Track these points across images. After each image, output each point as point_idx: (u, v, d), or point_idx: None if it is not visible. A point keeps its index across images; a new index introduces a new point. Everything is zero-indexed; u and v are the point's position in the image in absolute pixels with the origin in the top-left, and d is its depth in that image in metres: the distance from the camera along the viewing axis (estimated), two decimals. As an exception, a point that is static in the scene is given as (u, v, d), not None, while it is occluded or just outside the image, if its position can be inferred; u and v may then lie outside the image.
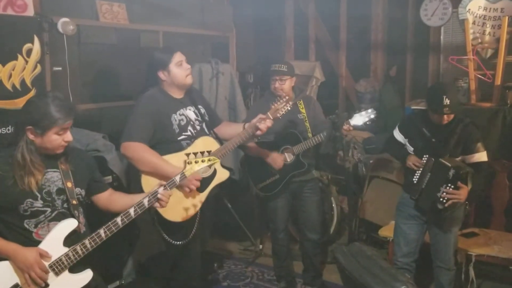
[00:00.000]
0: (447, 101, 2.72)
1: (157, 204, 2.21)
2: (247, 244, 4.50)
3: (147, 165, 2.65)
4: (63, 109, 2.03)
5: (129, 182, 3.50)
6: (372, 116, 3.18)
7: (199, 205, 2.79)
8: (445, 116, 2.80)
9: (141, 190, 2.68)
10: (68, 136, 2.07)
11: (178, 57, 2.81)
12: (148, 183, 2.67)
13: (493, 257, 3.22)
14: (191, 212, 2.75)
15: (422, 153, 2.95)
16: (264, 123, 2.82)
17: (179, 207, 2.68)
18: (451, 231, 2.96)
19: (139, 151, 2.64)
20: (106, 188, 2.34)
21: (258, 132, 2.86)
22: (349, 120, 3.18)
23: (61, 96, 2.09)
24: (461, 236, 3.34)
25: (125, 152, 2.67)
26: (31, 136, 2.01)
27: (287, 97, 2.99)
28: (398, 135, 3.15)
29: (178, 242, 2.80)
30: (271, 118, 2.87)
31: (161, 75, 2.81)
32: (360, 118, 3.19)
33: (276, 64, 3.41)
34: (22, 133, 2.00)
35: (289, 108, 2.97)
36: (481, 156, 2.88)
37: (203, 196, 2.81)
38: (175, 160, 2.68)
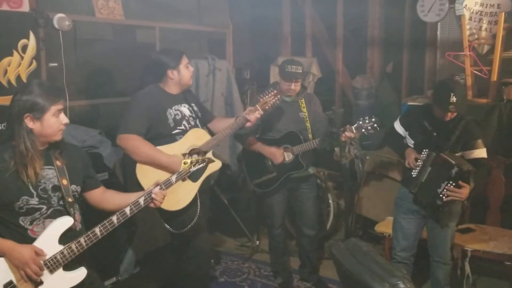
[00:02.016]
0: (453, 99, 2.71)
1: (151, 204, 2.22)
2: (244, 240, 4.51)
3: (142, 155, 2.74)
4: (52, 89, 2.08)
5: (126, 178, 3.50)
6: (375, 125, 3.15)
7: (193, 194, 2.87)
8: (449, 113, 2.81)
9: (137, 184, 2.76)
10: (65, 118, 2.10)
11: (186, 59, 2.96)
12: (143, 172, 2.77)
13: (488, 252, 3.23)
14: (186, 201, 2.83)
15: (422, 147, 2.95)
16: (253, 114, 2.96)
17: (173, 197, 2.73)
18: (448, 226, 2.98)
19: (134, 142, 2.73)
20: (99, 185, 2.33)
21: (248, 124, 3.01)
22: (352, 127, 3.17)
23: (44, 81, 2.14)
24: (457, 231, 3.34)
25: (121, 143, 2.76)
26: (30, 124, 2.01)
27: (275, 91, 3.06)
28: (398, 127, 3.15)
29: (177, 231, 2.90)
30: (260, 110, 2.99)
31: (170, 73, 2.90)
32: (361, 126, 3.16)
33: (292, 66, 3.29)
34: (20, 123, 2.00)
35: (278, 102, 3.07)
36: (481, 152, 2.89)
37: (196, 185, 2.88)
38: (168, 151, 2.79)
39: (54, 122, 2.05)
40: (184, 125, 2.91)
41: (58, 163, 2.11)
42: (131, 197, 2.22)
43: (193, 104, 3.05)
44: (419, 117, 3.00)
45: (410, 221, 3.05)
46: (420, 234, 3.09)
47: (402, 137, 3.14)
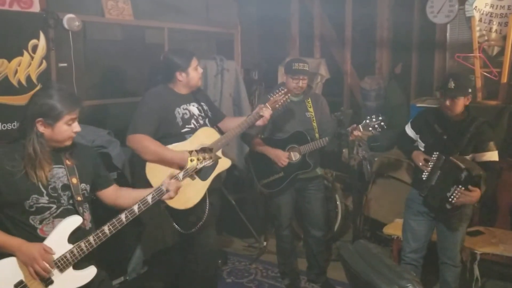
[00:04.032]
0: (452, 84, 2.70)
1: (165, 196, 2.23)
2: (251, 241, 4.50)
3: (151, 154, 2.77)
4: (70, 98, 2.07)
5: (134, 178, 3.51)
6: (382, 124, 3.13)
7: (202, 193, 2.87)
8: (454, 105, 2.76)
9: (145, 183, 2.78)
10: (77, 127, 2.10)
11: (195, 61, 2.96)
12: (152, 171, 2.80)
13: (498, 255, 3.21)
14: (195, 200, 2.84)
15: (432, 150, 2.91)
16: (266, 110, 2.96)
17: (182, 195, 2.72)
18: (458, 228, 2.95)
19: (143, 142, 2.76)
20: (111, 183, 2.34)
21: (259, 122, 3.00)
22: (359, 125, 3.16)
23: (65, 87, 2.15)
24: (466, 234, 3.31)
25: (130, 143, 2.80)
26: (41, 129, 2.01)
27: (285, 89, 3.06)
28: (410, 131, 3.13)
29: (186, 231, 2.90)
30: (270, 108, 2.99)
31: (179, 75, 2.91)
32: (368, 124, 3.15)
33: (299, 63, 3.31)
34: (31, 126, 2.01)
35: (288, 100, 3.07)
36: (492, 155, 2.83)
37: (206, 184, 2.89)
38: (177, 149, 2.81)
39: (65, 130, 2.05)
40: (193, 123, 2.91)
41: (68, 162, 2.12)
42: (146, 193, 2.22)
43: (202, 103, 3.05)
44: (429, 120, 2.97)
45: (420, 223, 3.03)
46: (430, 235, 3.07)
47: (414, 141, 3.11)
